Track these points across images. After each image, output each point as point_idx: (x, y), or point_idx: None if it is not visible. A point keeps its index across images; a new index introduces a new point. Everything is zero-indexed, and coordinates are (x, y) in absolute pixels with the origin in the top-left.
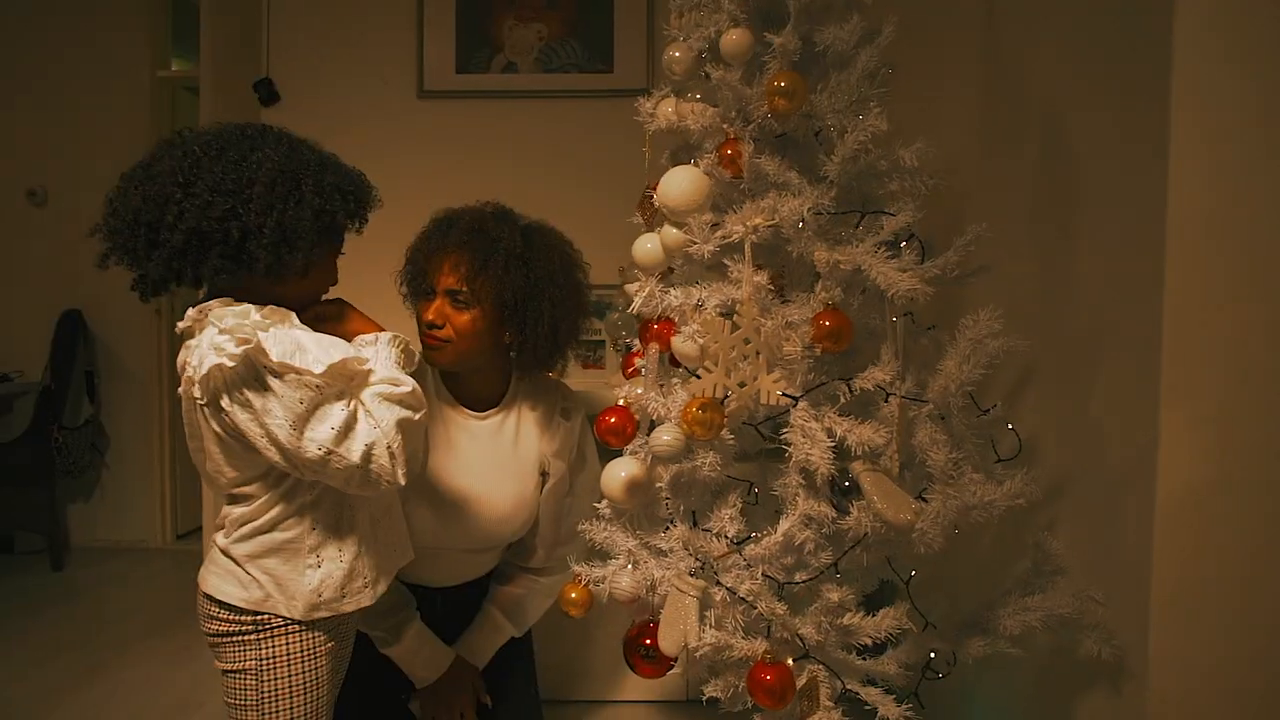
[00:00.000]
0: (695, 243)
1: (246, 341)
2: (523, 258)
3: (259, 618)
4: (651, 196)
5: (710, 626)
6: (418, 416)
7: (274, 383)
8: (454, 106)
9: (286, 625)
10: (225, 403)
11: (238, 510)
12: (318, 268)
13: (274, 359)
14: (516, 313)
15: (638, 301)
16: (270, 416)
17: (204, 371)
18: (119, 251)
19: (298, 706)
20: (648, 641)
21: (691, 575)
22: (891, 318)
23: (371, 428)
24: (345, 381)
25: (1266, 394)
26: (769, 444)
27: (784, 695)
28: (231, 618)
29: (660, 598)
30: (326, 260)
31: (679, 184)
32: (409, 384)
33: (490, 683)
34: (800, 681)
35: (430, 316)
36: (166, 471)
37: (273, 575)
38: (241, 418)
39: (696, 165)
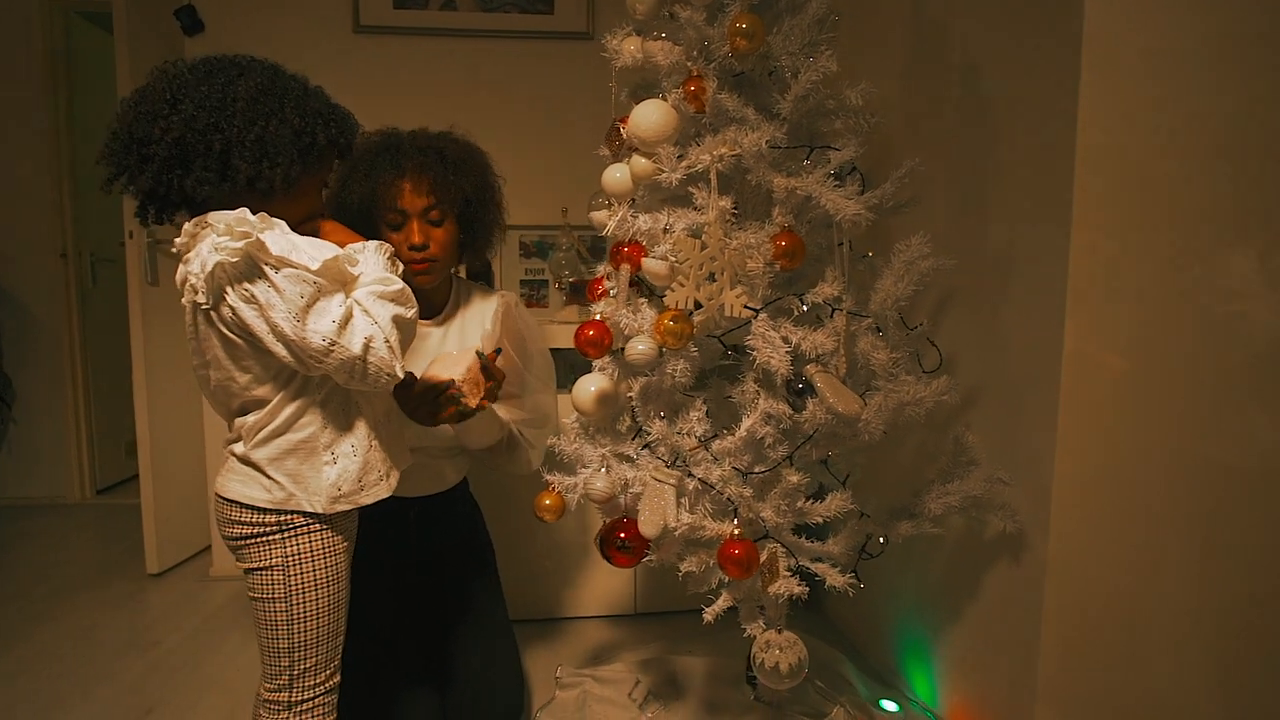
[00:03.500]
0: (664, 171)
1: (247, 236)
2: (463, 159)
3: (283, 518)
4: (619, 130)
5: (686, 511)
6: (410, 314)
7: (275, 277)
8: (391, 43)
9: (309, 524)
10: (231, 298)
11: (251, 418)
12: (301, 189)
13: (273, 252)
14: (474, 210)
15: (611, 225)
16: (274, 310)
17: (209, 269)
18: (117, 170)
19: (323, 598)
20: (622, 535)
21: (668, 466)
22: (838, 241)
23: (369, 323)
24: (339, 280)
25: (1157, 309)
26: (726, 359)
27: (750, 566)
28: (256, 519)
29: (632, 497)
30: (310, 184)
31: (650, 116)
32: (399, 283)
33: (459, 607)
34: (762, 557)
35: (417, 239)
36: (83, 425)
37: (292, 475)
38: (247, 313)
39: (664, 100)
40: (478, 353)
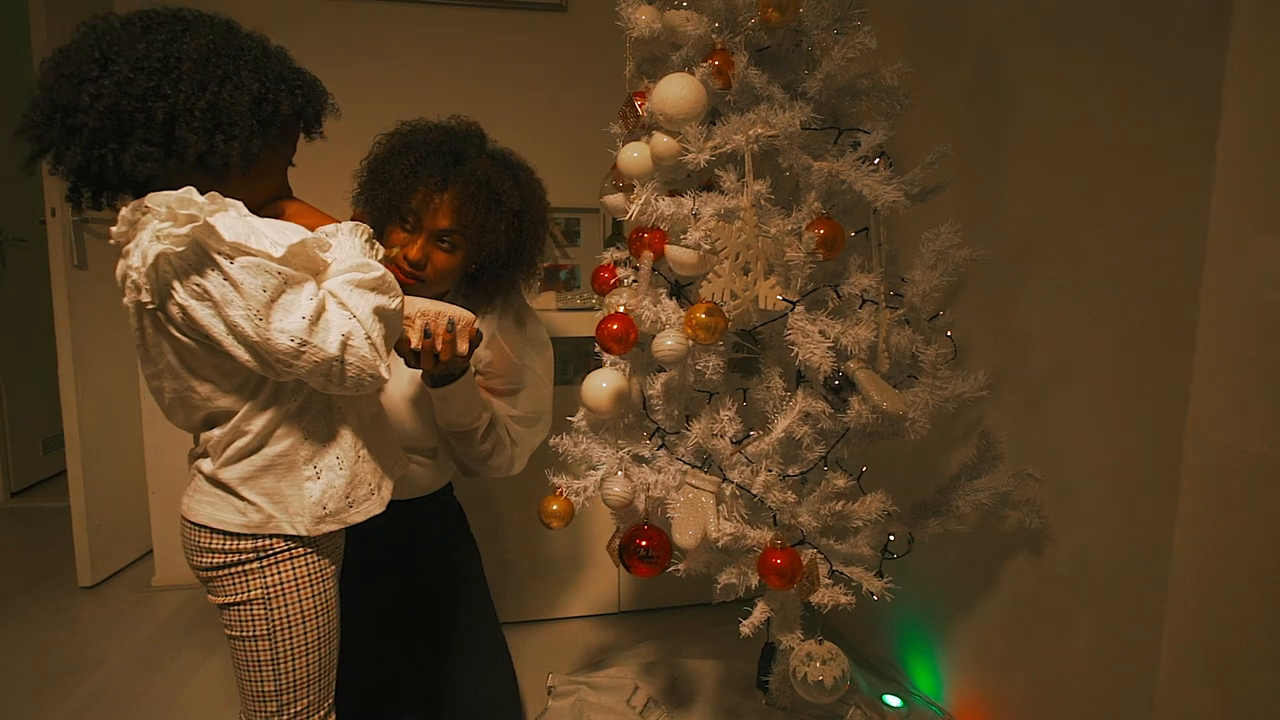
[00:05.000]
0: (690, 151)
1: (193, 220)
2: (520, 214)
3: (260, 543)
4: (636, 105)
5: (723, 519)
6: (394, 304)
7: (230, 268)
8: (351, 9)
9: (291, 549)
10: (180, 296)
11: (218, 432)
12: (263, 168)
13: (226, 239)
14: (498, 261)
15: (634, 209)
16: (232, 307)
17: (151, 261)
18: (41, 145)
19: (311, 631)
20: (644, 543)
21: (705, 472)
22: (874, 228)
23: (346, 317)
24: (309, 268)
25: (1177, 305)
26: (745, 354)
27: (794, 576)
28: (230, 545)
29: (652, 502)
30: (272, 160)
31: (678, 92)
32: (379, 269)
33: (449, 614)
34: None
35: (415, 255)
36: None
37: (270, 494)
38: (201, 313)
39: (691, 74)
40: (450, 319)
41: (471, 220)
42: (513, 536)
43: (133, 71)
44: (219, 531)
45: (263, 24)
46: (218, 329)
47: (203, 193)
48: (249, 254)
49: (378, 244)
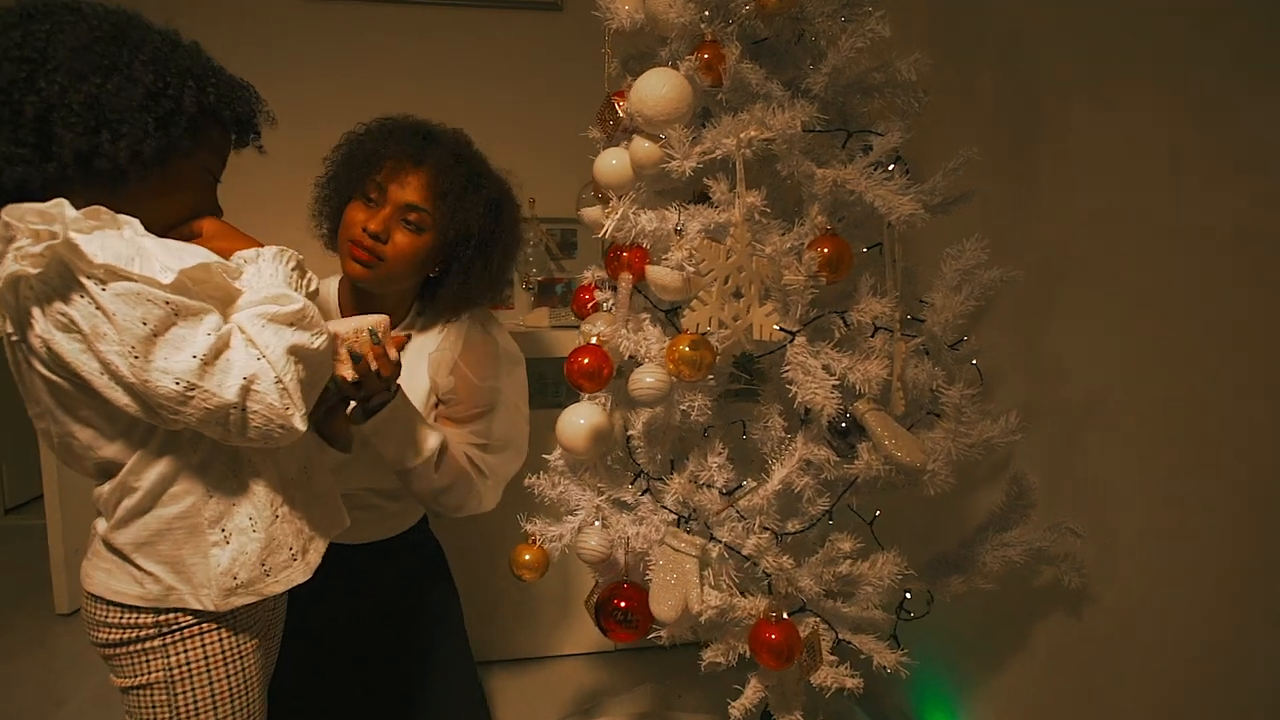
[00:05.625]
0: (674, 158)
1: (52, 237)
2: (499, 204)
3: (162, 618)
4: (615, 107)
5: (709, 586)
6: (316, 343)
7: (101, 295)
8: (343, 11)
9: (198, 624)
10: (40, 326)
11: (108, 487)
12: (172, 178)
13: (97, 260)
14: (465, 256)
15: (609, 224)
16: (104, 341)
17: (2, 284)
18: None
19: (226, 719)
20: (622, 604)
21: (688, 532)
22: (892, 245)
23: (254, 357)
24: (218, 298)
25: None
26: (740, 385)
27: (790, 654)
28: (127, 620)
29: (634, 557)
30: (184, 168)
31: (658, 89)
32: (299, 301)
33: (422, 655)
34: (801, 636)
35: (375, 226)
36: None
37: (170, 563)
38: (67, 346)
39: (676, 69)
40: (370, 330)
41: (443, 193)
42: (501, 569)
43: (1, 60)
44: (114, 604)
45: (249, 31)
46: (88, 367)
47: (100, 204)
48: (127, 279)
49: (310, 274)
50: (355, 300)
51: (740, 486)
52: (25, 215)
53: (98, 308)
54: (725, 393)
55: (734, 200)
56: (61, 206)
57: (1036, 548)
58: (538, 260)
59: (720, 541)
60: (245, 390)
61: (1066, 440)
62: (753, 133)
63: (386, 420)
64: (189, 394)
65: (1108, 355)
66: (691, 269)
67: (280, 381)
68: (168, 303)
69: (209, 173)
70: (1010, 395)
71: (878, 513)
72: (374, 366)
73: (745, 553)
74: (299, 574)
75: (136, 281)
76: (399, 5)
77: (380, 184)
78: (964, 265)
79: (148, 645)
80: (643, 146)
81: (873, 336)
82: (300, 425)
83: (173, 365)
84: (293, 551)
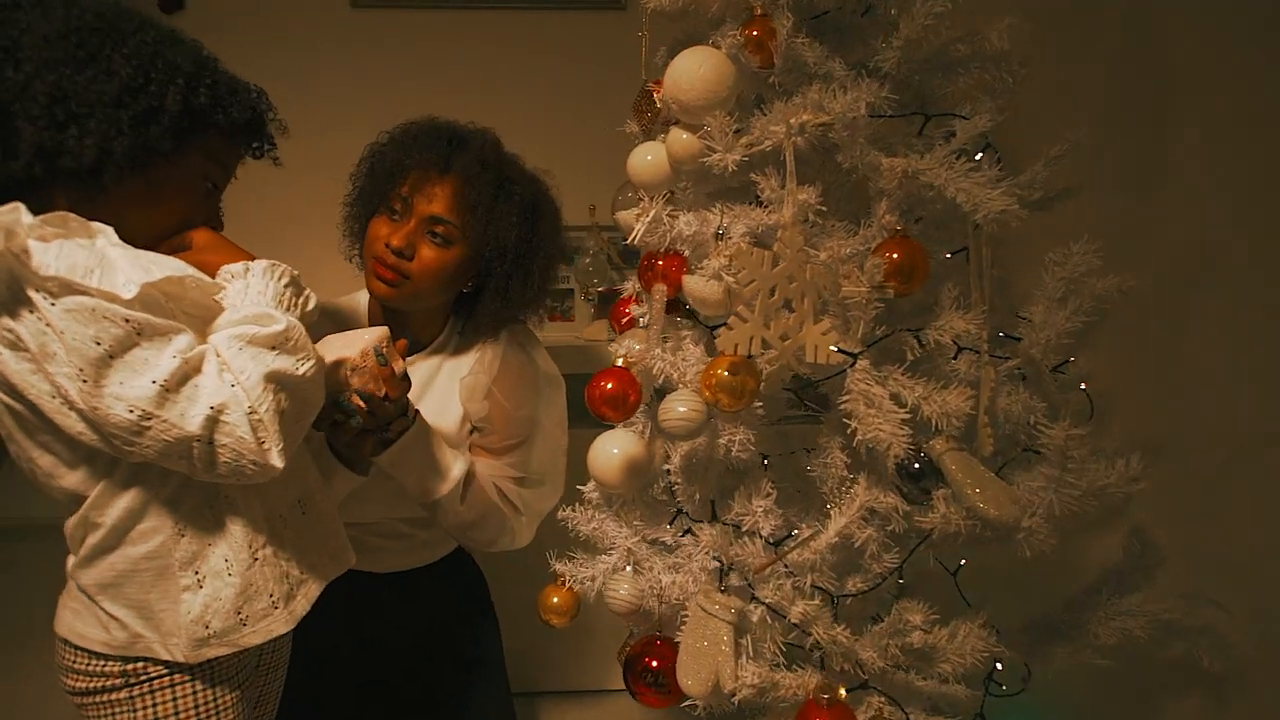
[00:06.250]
0: (715, 150)
1: (11, 238)
2: (535, 210)
3: (129, 666)
4: (653, 96)
5: (747, 657)
6: (301, 369)
7: (50, 311)
8: (393, 19)
9: (169, 674)
10: None
11: (73, 520)
12: (159, 183)
13: (47, 272)
14: (501, 269)
15: (639, 229)
16: (53, 362)
17: None
18: None
19: None
20: (654, 664)
21: (722, 591)
22: (979, 249)
23: (226, 384)
24: (190, 315)
25: None
26: (801, 411)
27: None
28: (94, 668)
29: (667, 606)
30: (170, 174)
31: (695, 70)
32: (283, 321)
33: (454, 698)
34: (861, 718)
35: (398, 242)
36: None
37: (136, 607)
38: (14, 367)
39: (717, 46)
40: (375, 351)
41: (470, 203)
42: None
43: None
44: (81, 649)
45: (313, 43)
46: (37, 389)
47: (79, 212)
48: (83, 293)
49: (308, 292)
50: (386, 318)
51: (791, 536)
52: None
53: (47, 325)
54: (781, 418)
55: (785, 199)
56: (17, 211)
57: (1165, 619)
58: (598, 270)
59: (763, 602)
60: (212, 421)
61: (1204, 486)
62: (804, 117)
63: (405, 450)
64: (144, 424)
65: (1254, 381)
66: (731, 279)
67: (254, 412)
68: (128, 320)
69: (205, 180)
70: (1130, 431)
71: (963, 562)
72: (383, 391)
73: (790, 618)
74: (280, 624)
75: (93, 296)
76: (447, 10)
77: (405, 197)
78: (1071, 273)
79: (113, 697)
80: (680, 138)
81: (955, 359)
82: (277, 462)
83: (128, 391)
84: (273, 599)
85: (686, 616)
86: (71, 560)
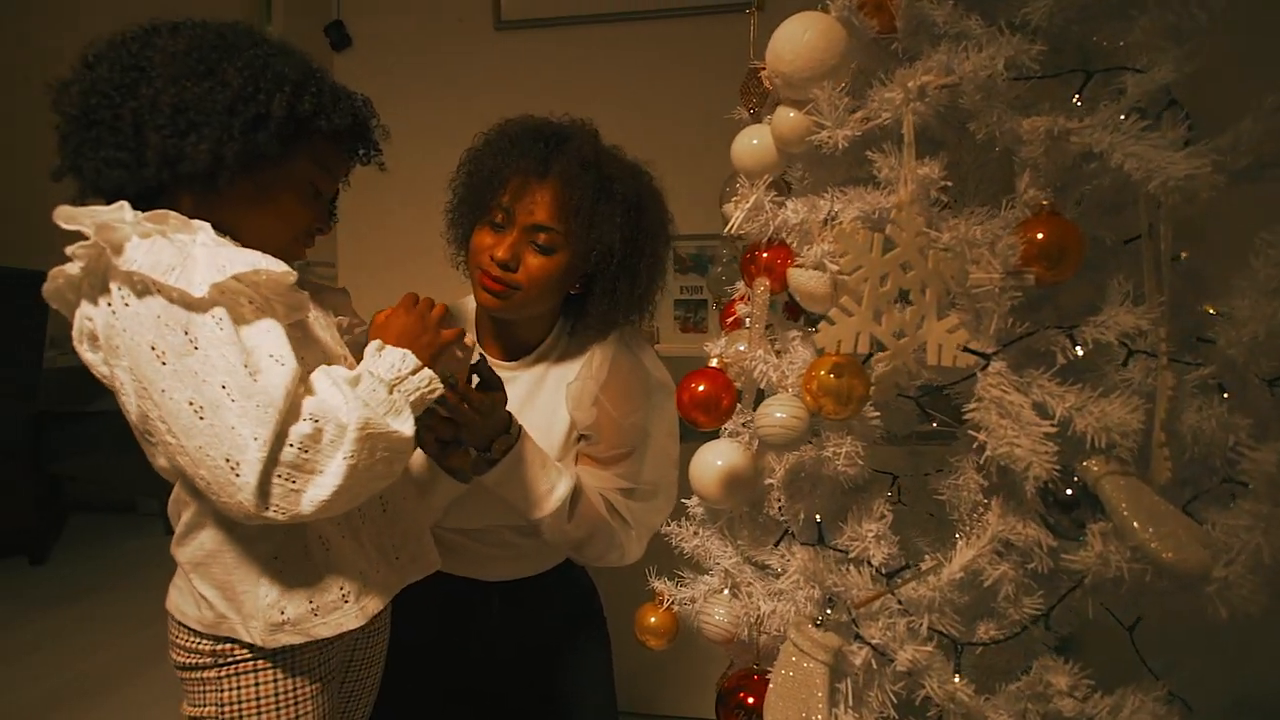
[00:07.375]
0: (824, 125)
1: (107, 232)
2: (638, 207)
3: (219, 647)
4: (758, 77)
5: (845, 705)
6: (388, 456)
7: (123, 307)
8: (533, 37)
9: (254, 659)
10: (75, 326)
11: (172, 497)
12: (259, 184)
13: (130, 267)
14: (608, 271)
15: (738, 218)
16: (115, 355)
17: (53, 284)
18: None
19: None
20: (749, 700)
21: (818, 624)
22: (1156, 228)
23: (340, 400)
24: (276, 300)
25: None
26: (932, 428)
27: None
28: (191, 644)
29: (767, 637)
30: (273, 177)
31: (799, 36)
32: (407, 429)
33: (559, 700)
34: None
35: (503, 254)
36: None
37: (221, 587)
38: (91, 356)
39: (825, 11)
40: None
41: (573, 208)
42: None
43: (110, 70)
44: (182, 625)
45: (460, 64)
46: (111, 381)
47: (199, 216)
48: (159, 291)
49: (446, 383)
50: (492, 325)
51: (908, 566)
52: (78, 216)
53: (115, 318)
54: (911, 433)
55: (901, 176)
56: (120, 210)
57: None
58: (731, 279)
59: (868, 643)
60: (314, 428)
61: None
62: (927, 78)
63: (509, 470)
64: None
65: None
66: (835, 267)
67: (301, 467)
68: (186, 331)
69: (311, 185)
70: None
71: (1139, 618)
72: (471, 402)
73: (899, 665)
74: (350, 619)
75: (171, 294)
76: (584, 25)
77: (506, 206)
78: None
79: (205, 675)
80: (786, 116)
81: (1125, 365)
82: (250, 508)
83: (166, 404)
84: (344, 592)
85: (783, 651)
86: (173, 538)
